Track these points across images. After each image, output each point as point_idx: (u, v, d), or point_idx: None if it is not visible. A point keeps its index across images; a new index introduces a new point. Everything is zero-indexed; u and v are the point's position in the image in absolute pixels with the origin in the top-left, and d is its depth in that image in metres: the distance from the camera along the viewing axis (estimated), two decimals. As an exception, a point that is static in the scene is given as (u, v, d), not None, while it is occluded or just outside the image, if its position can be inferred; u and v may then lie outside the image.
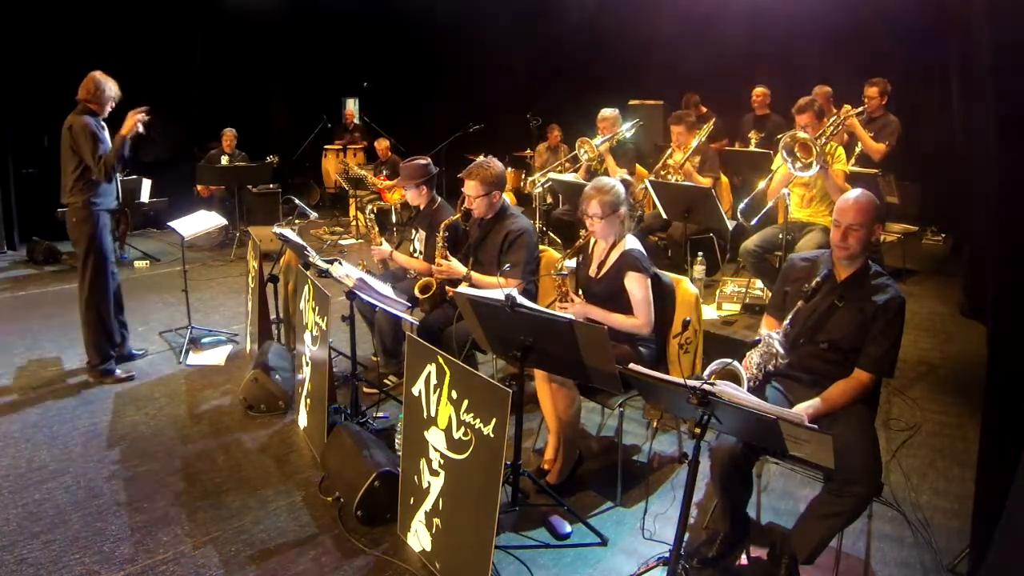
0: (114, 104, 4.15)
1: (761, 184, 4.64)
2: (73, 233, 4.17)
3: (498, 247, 3.58)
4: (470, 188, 3.55)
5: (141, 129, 4.10)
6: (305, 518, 2.95)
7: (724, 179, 5.81)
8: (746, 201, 4.72)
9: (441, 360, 2.52)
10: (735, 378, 2.29)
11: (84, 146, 3.97)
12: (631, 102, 7.90)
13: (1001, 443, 2.10)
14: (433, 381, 2.56)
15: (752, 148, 6.39)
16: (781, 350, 2.50)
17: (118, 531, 2.86)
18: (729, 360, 2.35)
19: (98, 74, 4.08)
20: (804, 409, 2.40)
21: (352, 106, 10.60)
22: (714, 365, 2.35)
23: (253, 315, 4.50)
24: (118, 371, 4.33)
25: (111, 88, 4.09)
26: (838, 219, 2.53)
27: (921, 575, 2.60)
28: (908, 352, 4.34)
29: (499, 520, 2.30)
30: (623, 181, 3.39)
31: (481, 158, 3.78)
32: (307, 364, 3.56)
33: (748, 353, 2.56)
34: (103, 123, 4.11)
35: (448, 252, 3.71)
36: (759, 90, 6.85)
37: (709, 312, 4.96)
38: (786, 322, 2.52)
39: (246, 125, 8.35)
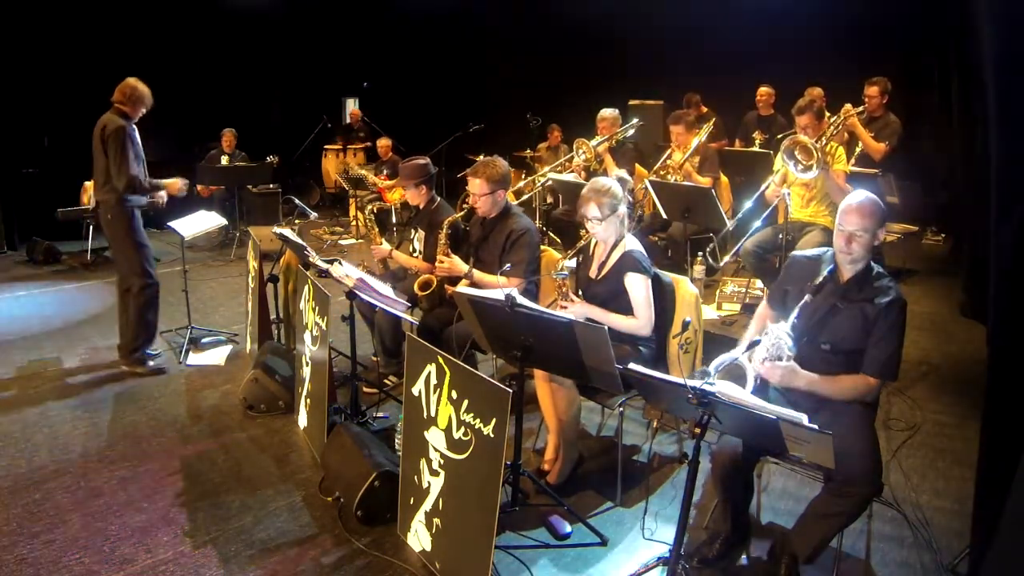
0: (144, 111, 4.25)
1: (770, 179, 4.62)
2: (109, 229, 4.27)
3: (500, 246, 3.57)
4: (475, 186, 3.54)
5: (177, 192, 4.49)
6: (305, 518, 2.95)
7: (724, 179, 5.81)
8: (751, 203, 4.70)
9: (441, 360, 2.52)
10: (741, 376, 2.28)
11: (114, 152, 4.04)
12: (631, 102, 7.89)
13: (1001, 443, 2.10)
14: (433, 381, 2.56)
15: (755, 148, 6.37)
16: (790, 342, 2.48)
17: (118, 531, 2.86)
18: (735, 357, 2.34)
19: (135, 81, 4.19)
20: (807, 378, 2.39)
21: (354, 106, 10.60)
22: (720, 360, 2.32)
23: (253, 315, 4.50)
24: (151, 363, 4.39)
25: (146, 96, 4.20)
26: (842, 224, 2.51)
27: (921, 575, 2.60)
28: (908, 352, 4.28)
29: (499, 520, 2.29)
30: (620, 180, 3.37)
31: (483, 156, 3.77)
32: (307, 364, 3.56)
33: (750, 353, 2.54)
34: (135, 126, 4.20)
35: (449, 250, 3.71)
36: (764, 89, 6.77)
37: (709, 312, 4.96)
38: (793, 316, 2.51)
39: (246, 125, 8.34)
